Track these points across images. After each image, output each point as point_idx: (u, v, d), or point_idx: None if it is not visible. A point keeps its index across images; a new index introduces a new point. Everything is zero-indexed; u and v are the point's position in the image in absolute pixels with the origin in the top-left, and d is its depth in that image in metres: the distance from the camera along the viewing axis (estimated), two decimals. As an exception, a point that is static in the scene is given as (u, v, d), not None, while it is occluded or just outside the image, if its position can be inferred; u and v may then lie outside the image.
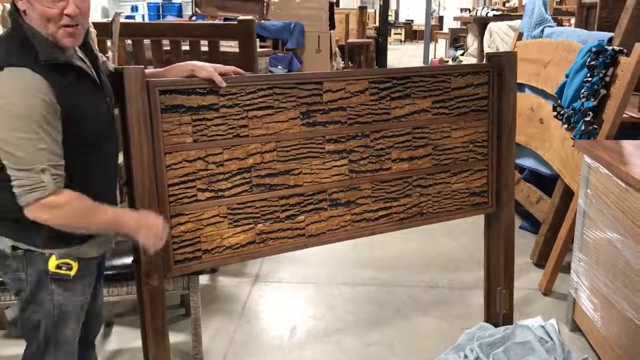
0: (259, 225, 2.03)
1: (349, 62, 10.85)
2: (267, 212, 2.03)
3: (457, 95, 2.32)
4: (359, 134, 2.15)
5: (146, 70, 1.78)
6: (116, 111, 1.82)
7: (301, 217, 2.10)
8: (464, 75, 2.32)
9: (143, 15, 16.41)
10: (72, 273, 1.66)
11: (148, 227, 1.68)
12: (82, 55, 1.68)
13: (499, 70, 2.36)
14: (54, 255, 1.63)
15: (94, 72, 1.68)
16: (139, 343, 2.07)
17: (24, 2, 1.54)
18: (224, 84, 1.86)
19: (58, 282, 1.66)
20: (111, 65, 1.88)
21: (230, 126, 1.92)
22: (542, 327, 2.60)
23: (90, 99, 1.62)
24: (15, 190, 1.51)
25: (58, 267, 1.64)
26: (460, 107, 2.34)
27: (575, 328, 2.83)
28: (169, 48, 3.64)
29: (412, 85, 2.22)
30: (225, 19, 6.88)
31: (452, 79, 2.29)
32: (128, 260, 2.44)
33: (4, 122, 1.46)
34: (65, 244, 1.65)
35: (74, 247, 1.66)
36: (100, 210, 1.60)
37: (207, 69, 1.84)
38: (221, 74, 1.87)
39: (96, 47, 1.87)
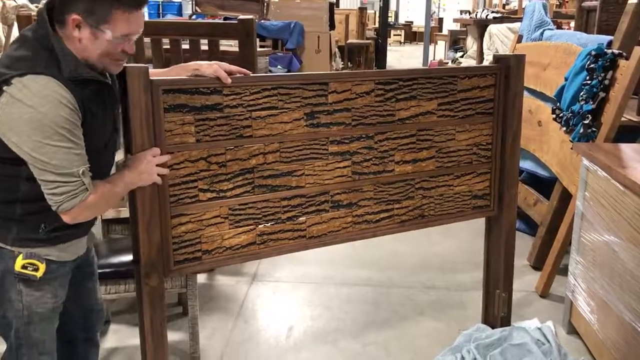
0: (260, 226, 2.02)
1: (349, 63, 10.86)
2: (269, 213, 2.02)
3: (463, 97, 2.30)
4: (363, 136, 2.14)
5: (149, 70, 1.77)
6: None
7: (302, 219, 2.09)
8: (470, 77, 2.29)
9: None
10: (39, 274, 1.64)
11: (142, 172, 1.71)
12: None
13: (506, 72, 2.34)
14: (21, 255, 1.62)
15: (112, 82, 1.69)
16: (136, 341, 2.08)
17: (83, 33, 1.53)
18: (229, 81, 1.83)
19: (25, 283, 1.65)
20: None
21: (234, 126, 1.90)
22: (539, 329, 2.61)
23: (103, 111, 1.64)
24: (54, 197, 1.52)
25: (24, 267, 1.62)
26: (466, 110, 2.32)
27: (572, 330, 2.84)
28: (168, 47, 3.63)
29: (418, 87, 2.20)
30: (225, 18, 6.88)
31: (459, 80, 2.27)
32: (125, 258, 2.45)
33: (36, 132, 1.46)
34: (34, 244, 1.63)
35: (44, 249, 1.65)
36: (116, 183, 1.65)
37: (212, 66, 1.83)
38: (226, 72, 1.85)
39: None
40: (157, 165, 1.75)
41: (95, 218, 1.86)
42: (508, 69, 2.34)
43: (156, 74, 1.84)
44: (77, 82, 1.53)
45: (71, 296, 1.89)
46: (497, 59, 2.42)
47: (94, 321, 2.02)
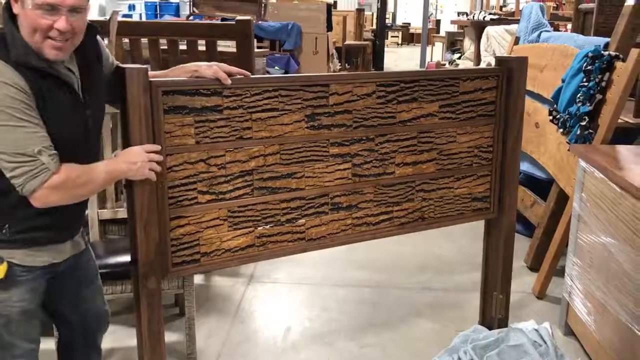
0: (259, 228, 2.01)
1: (346, 64, 10.86)
2: (268, 215, 2.01)
3: (465, 99, 2.29)
4: (364, 138, 2.13)
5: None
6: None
7: (302, 221, 2.08)
8: (472, 79, 2.29)
9: (140, 14, 16.40)
10: (0, 275, 1.60)
11: (133, 162, 1.66)
12: (71, 66, 1.64)
13: (508, 75, 2.34)
14: None
15: (81, 84, 1.65)
16: (133, 342, 2.07)
17: (18, 7, 1.53)
18: (228, 82, 1.82)
19: None
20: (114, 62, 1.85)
21: (234, 128, 1.89)
22: (536, 330, 2.61)
23: (64, 110, 1.59)
24: (16, 180, 1.49)
25: None
26: (467, 112, 2.31)
27: (569, 332, 2.84)
28: (166, 47, 3.64)
29: (420, 89, 2.19)
30: (223, 19, 6.88)
31: (461, 83, 2.27)
32: (122, 258, 2.45)
33: None
34: None
35: (5, 250, 1.61)
36: (94, 169, 1.60)
37: (212, 67, 1.82)
38: (226, 74, 1.83)
39: (105, 52, 1.81)
40: (151, 162, 1.70)
41: (79, 224, 1.82)
42: (510, 71, 2.34)
43: (156, 76, 1.83)
44: (32, 70, 1.50)
45: (66, 302, 1.86)
46: (500, 61, 2.41)
47: (94, 327, 1.99)
